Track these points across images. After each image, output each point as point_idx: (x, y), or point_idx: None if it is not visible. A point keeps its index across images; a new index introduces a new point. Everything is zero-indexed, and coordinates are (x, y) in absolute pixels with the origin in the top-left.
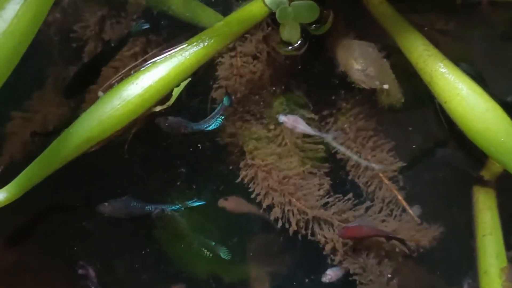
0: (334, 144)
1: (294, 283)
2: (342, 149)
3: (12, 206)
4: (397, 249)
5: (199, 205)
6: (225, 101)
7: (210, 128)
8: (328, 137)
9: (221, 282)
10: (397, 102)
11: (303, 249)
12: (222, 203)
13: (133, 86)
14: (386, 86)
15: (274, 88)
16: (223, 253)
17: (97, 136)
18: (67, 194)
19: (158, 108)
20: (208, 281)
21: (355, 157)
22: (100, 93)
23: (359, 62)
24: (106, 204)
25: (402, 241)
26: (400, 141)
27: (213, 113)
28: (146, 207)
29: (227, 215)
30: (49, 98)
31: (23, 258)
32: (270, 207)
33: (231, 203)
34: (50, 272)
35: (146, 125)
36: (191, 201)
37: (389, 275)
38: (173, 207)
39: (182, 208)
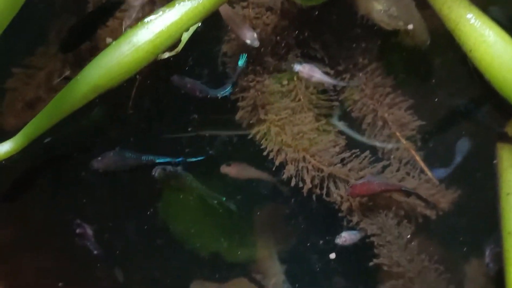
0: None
1: (306, 251)
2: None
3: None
4: (418, 209)
5: (199, 160)
6: (241, 63)
7: (226, 94)
8: (345, 84)
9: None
10: (423, 44)
11: (315, 213)
12: (224, 169)
13: (143, 31)
14: (410, 27)
15: (288, 41)
16: (233, 206)
17: (105, 84)
18: (69, 150)
19: (166, 55)
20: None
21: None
22: (108, 40)
23: (381, 2)
24: (99, 158)
25: (417, 194)
26: (419, 99)
27: (230, 78)
28: (142, 158)
29: (232, 181)
30: (53, 54)
31: (20, 214)
32: (281, 168)
33: (234, 169)
34: (47, 229)
35: (150, 76)
36: (193, 157)
37: (408, 237)
38: (170, 160)
39: (179, 161)
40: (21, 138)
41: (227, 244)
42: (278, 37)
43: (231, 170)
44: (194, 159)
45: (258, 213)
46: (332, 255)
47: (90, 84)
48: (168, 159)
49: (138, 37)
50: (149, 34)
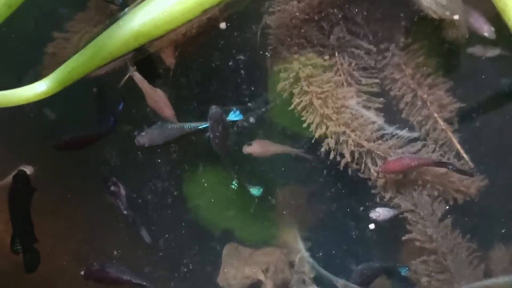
0: None
1: (335, 228)
2: None
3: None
4: (450, 192)
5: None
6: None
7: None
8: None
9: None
10: (463, 37)
11: (346, 189)
12: (246, 149)
13: None
14: (456, 17)
15: (333, 15)
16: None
17: (148, 32)
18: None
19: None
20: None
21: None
22: None
23: None
24: (143, 133)
25: (451, 164)
26: (459, 81)
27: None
28: (185, 126)
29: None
30: (89, 18)
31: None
32: (319, 140)
33: (256, 147)
34: (81, 183)
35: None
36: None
37: (441, 214)
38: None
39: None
40: (53, 81)
41: (247, 223)
42: (324, 12)
43: (253, 148)
44: (234, 119)
45: (279, 191)
46: (372, 226)
47: (132, 31)
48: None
49: None
50: None
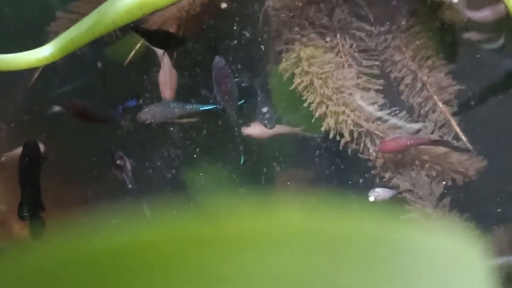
0: None
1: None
2: None
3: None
4: (449, 172)
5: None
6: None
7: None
8: None
9: None
10: (460, 21)
11: (346, 166)
12: (245, 130)
13: None
14: (455, 0)
15: None
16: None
17: (153, 2)
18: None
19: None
20: None
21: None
22: None
23: None
24: (145, 109)
25: (446, 143)
26: (461, 64)
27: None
28: (187, 106)
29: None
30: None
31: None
32: (320, 119)
33: (256, 129)
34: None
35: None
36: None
37: (439, 194)
38: (215, 106)
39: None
40: (54, 47)
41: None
42: None
43: (253, 130)
44: (240, 102)
45: (279, 175)
46: (371, 198)
47: None
48: (213, 106)
49: None
50: None
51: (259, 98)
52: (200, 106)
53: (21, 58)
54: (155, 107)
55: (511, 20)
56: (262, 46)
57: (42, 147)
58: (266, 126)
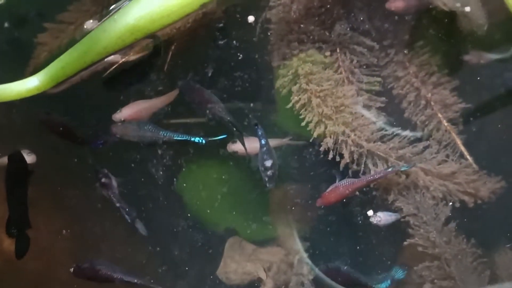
0: None
1: (333, 230)
2: None
3: None
4: (456, 194)
5: (222, 138)
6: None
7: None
8: None
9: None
10: (479, 28)
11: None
12: (231, 147)
13: None
14: (467, 9)
15: (335, 10)
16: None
17: (144, 26)
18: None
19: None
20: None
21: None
22: None
23: None
24: (119, 124)
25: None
26: (465, 80)
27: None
28: (161, 133)
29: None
30: (86, 9)
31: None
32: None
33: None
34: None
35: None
36: (216, 137)
37: (445, 218)
38: (193, 139)
39: (203, 142)
40: (46, 76)
41: (244, 222)
42: (325, 6)
43: (239, 146)
44: (215, 138)
45: (275, 190)
46: (370, 212)
47: (128, 25)
48: (187, 137)
49: None
50: None
51: (263, 149)
52: (174, 135)
53: (10, 89)
54: (129, 125)
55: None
56: (258, 62)
57: (32, 157)
58: (265, 184)
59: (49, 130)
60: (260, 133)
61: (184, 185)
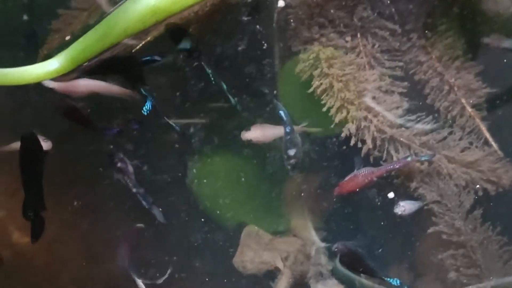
0: None
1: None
2: None
3: None
4: (479, 182)
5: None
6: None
7: None
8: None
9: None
10: (506, 10)
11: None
12: (245, 135)
13: None
14: None
15: None
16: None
17: (166, 8)
18: None
19: None
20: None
21: None
22: None
23: None
24: None
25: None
26: (490, 64)
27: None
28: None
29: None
30: None
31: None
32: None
33: (256, 132)
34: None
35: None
36: None
37: (470, 206)
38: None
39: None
40: (65, 59)
41: (257, 213)
42: None
43: (253, 134)
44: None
45: (289, 180)
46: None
47: (149, 5)
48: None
49: None
50: None
51: (288, 137)
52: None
53: (29, 71)
54: None
55: None
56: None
57: (48, 144)
58: (288, 172)
59: (65, 117)
60: (285, 119)
61: (198, 176)
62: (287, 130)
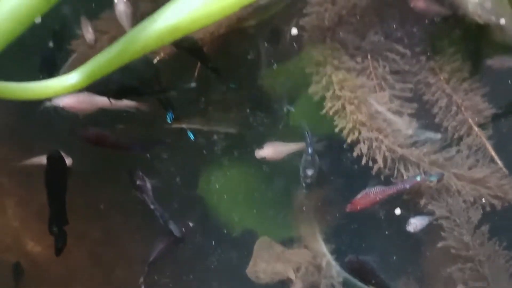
0: None
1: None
2: None
3: None
4: (485, 198)
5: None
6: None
7: None
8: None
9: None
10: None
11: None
12: (259, 153)
13: None
14: (502, 21)
15: (368, 18)
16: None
17: (185, 27)
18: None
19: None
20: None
21: None
22: None
23: None
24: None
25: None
26: (495, 87)
27: None
28: None
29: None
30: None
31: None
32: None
33: (269, 150)
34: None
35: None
36: None
37: (477, 221)
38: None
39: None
40: (82, 74)
41: (266, 223)
42: (358, 14)
43: (266, 152)
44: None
45: (298, 194)
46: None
47: (168, 24)
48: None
49: None
50: None
51: (308, 157)
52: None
53: (47, 86)
54: None
55: None
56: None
57: (68, 160)
58: (303, 189)
59: (90, 143)
60: (309, 141)
61: (207, 186)
62: (309, 151)
